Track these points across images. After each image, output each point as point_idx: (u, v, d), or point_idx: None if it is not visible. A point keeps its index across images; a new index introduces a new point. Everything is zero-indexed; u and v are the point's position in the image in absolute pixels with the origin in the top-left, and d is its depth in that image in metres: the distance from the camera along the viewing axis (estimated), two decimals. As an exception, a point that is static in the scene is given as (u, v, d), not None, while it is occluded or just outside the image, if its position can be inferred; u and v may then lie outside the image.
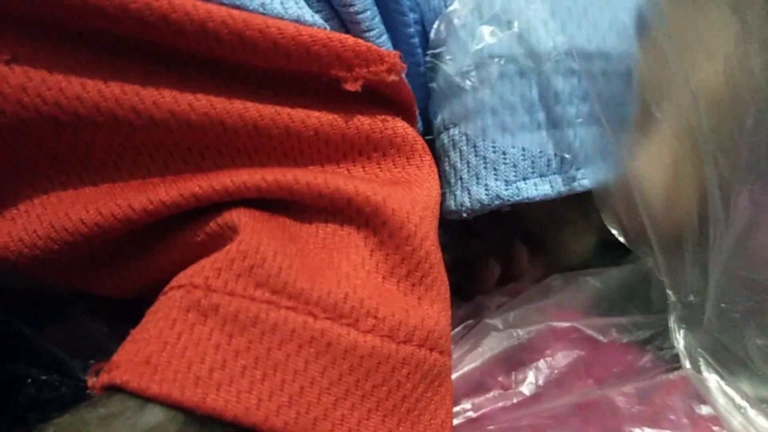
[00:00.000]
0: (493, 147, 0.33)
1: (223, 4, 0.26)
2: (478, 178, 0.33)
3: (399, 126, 0.30)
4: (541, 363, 0.33)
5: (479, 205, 0.33)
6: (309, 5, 0.30)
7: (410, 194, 0.29)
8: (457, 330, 0.36)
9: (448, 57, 0.34)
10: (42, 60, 0.24)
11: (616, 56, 0.34)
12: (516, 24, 0.33)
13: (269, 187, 0.27)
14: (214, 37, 0.25)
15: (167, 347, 0.24)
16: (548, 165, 0.34)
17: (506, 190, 0.33)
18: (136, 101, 0.25)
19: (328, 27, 0.29)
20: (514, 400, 0.33)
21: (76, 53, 0.25)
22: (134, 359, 0.24)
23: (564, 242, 0.41)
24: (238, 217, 0.27)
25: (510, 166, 0.33)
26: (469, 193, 0.33)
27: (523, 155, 0.33)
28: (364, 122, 0.29)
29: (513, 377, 0.33)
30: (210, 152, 0.27)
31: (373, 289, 0.26)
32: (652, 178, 0.36)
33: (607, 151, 0.34)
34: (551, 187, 0.34)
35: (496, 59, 0.33)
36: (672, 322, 0.33)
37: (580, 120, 0.34)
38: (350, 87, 0.28)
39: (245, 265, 0.25)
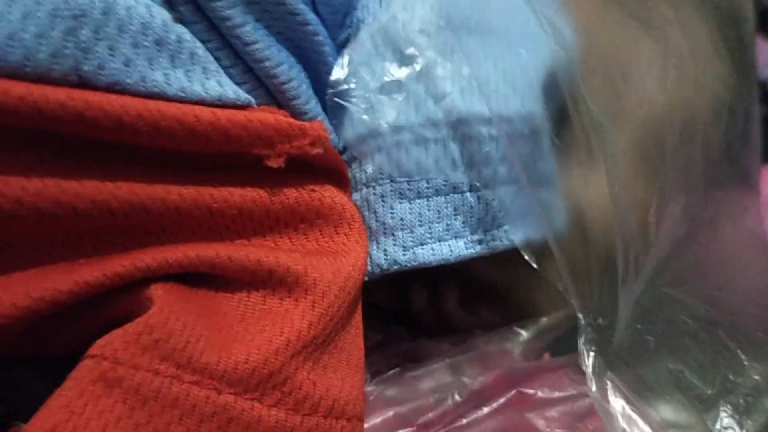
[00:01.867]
0: (392, 213, 0.34)
1: (140, 94, 0.27)
2: (378, 243, 0.34)
3: (326, 195, 0.31)
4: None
5: (379, 269, 0.34)
6: (233, 78, 0.31)
7: (335, 264, 0.30)
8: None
9: (353, 95, 0.34)
10: None
11: (518, 119, 0.35)
12: (419, 61, 0.34)
13: (191, 263, 0.28)
14: (131, 129, 0.26)
15: (72, 417, 0.25)
16: (447, 229, 0.34)
17: (404, 255, 0.34)
18: (57, 193, 0.26)
19: (252, 99, 0.31)
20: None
21: None
22: (42, 427, 0.25)
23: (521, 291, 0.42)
24: (155, 290, 0.28)
25: (407, 231, 0.34)
26: (370, 258, 0.34)
27: (420, 221, 0.34)
28: (289, 195, 0.30)
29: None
30: (136, 232, 0.28)
31: (284, 362, 0.28)
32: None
33: (523, 209, 0.35)
34: (450, 250, 0.34)
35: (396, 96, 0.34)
36: (581, 345, 0.34)
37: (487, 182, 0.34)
38: (273, 164, 0.29)
39: (151, 339, 0.26)
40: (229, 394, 0.27)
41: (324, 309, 0.29)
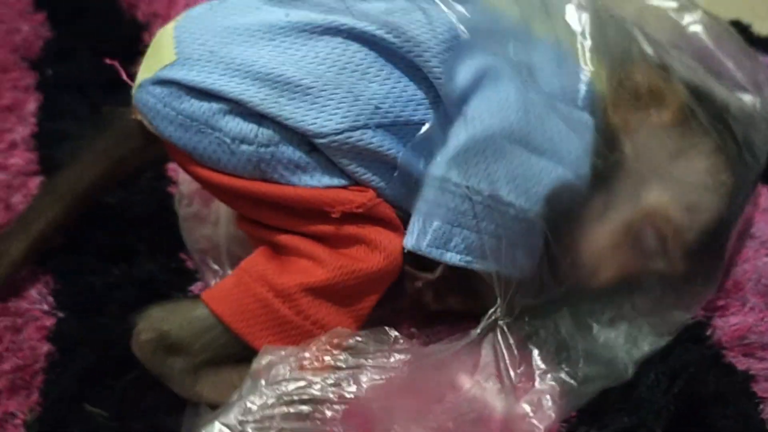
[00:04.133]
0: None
1: (272, 181, 0.65)
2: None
3: (371, 231, 0.64)
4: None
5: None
6: (347, 177, 0.66)
7: (348, 261, 0.63)
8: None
9: None
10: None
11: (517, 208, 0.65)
12: None
13: (286, 244, 0.67)
14: (275, 199, 0.65)
15: (220, 289, 0.67)
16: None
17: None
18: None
19: (346, 183, 0.66)
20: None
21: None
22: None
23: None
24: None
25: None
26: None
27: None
28: (348, 230, 0.65)
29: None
30: (276, 231, 0.68)
31: (297, 291, 0.63)
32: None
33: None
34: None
35: None
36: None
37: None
38: (333, 215, 0.64)
39: (258, 268, 0.65)
40: (273, 296, 0.63)
41: (326, 277, 0.63)
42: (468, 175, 0.64)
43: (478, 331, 0.66)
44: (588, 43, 0.71)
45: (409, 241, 0.65)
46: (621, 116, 0.70)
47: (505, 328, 0.65)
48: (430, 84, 0.65)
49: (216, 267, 0.77)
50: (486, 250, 0.65)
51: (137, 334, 0.65)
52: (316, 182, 0.66)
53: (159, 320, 0.65)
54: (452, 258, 0.65)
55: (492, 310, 0.66)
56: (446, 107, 0.66)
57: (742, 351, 0.72)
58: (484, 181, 0.64)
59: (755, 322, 0.73)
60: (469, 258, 0.65)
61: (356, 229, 0.66)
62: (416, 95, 0.65)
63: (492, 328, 0.66)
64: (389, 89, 0.65)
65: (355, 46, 0.65)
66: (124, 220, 0.81)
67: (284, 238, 0.67)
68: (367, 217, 0.66)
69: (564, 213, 0.67)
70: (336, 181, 0.66)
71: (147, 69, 0.67)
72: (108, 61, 0.78)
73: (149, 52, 0.69)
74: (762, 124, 0.76)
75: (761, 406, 0.68)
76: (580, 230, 0.69)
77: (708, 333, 0.72)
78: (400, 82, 0.65)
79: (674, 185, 0.70)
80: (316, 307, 0.64)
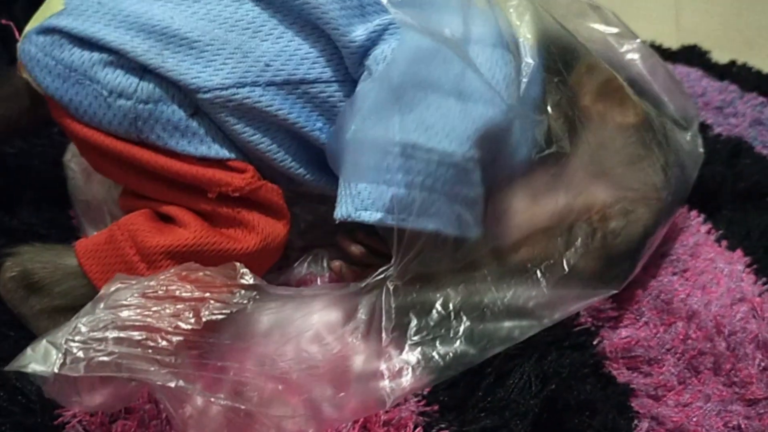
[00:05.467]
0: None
1: (160, 149, 0.63)
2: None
3: (246, 215, 0.64)
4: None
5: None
6: (234, 145, 0.65)
7: (221, 240, 0.63)
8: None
9: None
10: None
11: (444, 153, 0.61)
12: None
13: (167, 212, 0.65)
14: (148, 167, 0.63)
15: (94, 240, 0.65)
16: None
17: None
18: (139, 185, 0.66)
19: (228, 156, 0.65)
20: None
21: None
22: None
23: None
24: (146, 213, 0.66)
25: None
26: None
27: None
28: (223, 211, 0.64)
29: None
30: (154, 201, 0.67)
31: (164, 253, 0.63)
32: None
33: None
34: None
35: None
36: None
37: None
38: (210, 195, 0.63)
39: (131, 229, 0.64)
40: (138, 260, 0.62)
41: (192, 244, 0.62)
42: (385, 129, 0.62)
43: (362, 285, 0.64)
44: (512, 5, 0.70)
45: (339, 211, 0.63)
46: (589, 100, 0.70)
47: (391, 290, 0.63)
48: (329, 40, 0.64)
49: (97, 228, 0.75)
50: (420, 206, 0.62)
51: (3, 271, 0.64)
52: (193, 149, 0.64)
53: (26, 259, 0.64)
54: (385, 219, 0.62)
55: (384, 267, 0.64)
56: (347, 64, 0.65)
57: (626, 364, 0.70)
58: (400, 131, 0.62)
59: (646, 336, 0.71)
60: (402, 216, 0.62)
61: (232, 211, 0.65)
62: (311, 53, 0.65)
63: (378, 285, 0.63)
64: (282, 47, 0.64)
65: (248, 5, 0.65)
66: (19, 171, 0.79)
67: (164, 207, 0.66)
68: (245, 200, 0.65)
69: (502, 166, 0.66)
70: (215, 152, 0.64)
71: (35, 20, 0.66)
72: (4, 22, 0.75)
73: (41, 7, 0.68)
74: (689, 158, 0.76)
75: (636, 422, 0.65)
76: (516, 201, 0.68)
77: (594, 342, 0.70)
78: (294, 40, 0.64)
79: (621, 190, 0.70)
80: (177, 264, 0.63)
